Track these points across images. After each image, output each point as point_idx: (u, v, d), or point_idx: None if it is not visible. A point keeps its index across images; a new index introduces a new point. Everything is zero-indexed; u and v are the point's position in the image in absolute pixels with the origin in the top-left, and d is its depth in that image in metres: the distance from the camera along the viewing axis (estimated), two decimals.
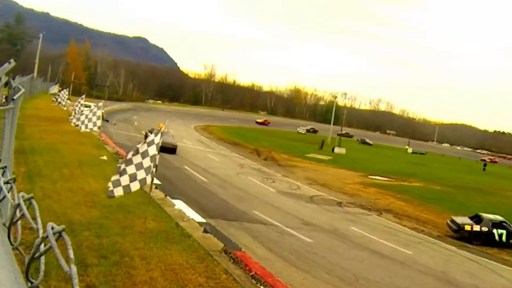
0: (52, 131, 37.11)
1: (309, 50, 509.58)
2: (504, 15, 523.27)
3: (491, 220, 30.52)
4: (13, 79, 10.53)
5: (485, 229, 30.01)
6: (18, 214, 3.32)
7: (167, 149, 40.48)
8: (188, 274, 13.48)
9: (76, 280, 2.57)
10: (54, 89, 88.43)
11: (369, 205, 36.53)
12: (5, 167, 4.45)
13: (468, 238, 29.90)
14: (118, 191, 15.88)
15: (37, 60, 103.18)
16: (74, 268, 2.58)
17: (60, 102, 56.66)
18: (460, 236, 30.20)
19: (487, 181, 75.42)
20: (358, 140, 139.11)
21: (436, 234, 30.83)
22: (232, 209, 27.17)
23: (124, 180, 15.94)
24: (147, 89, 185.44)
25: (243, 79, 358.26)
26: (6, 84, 7.63)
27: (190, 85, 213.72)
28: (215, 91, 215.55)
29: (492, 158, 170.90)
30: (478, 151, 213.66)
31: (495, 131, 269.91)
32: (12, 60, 6.59)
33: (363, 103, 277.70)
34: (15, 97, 8.41)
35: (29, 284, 2.96)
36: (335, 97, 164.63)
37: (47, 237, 2.80)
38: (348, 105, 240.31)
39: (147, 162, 16.26)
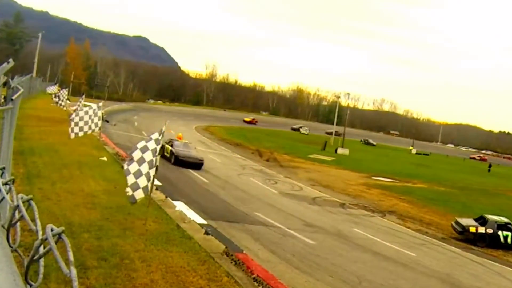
0: (51, 131, 37.12)
1: (311, 49, 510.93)
2: (510, 13, 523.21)
3: (496, 222, 30.48)
4: (12, 79, 10.55)
5: (490, 231, 29.98)
6: (17, 215, 3.32)
7: (192, 164, 38.94)
8: (189, 277, 13.48)
9: (76, 283, 2.57)
10: (53, 89, 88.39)
11: (373, 206, 36.52)
12: (4, 168, 4.45)
13: (473, 240, 29.88)
14: (139, 194, 15.93)
15: (36, 60, 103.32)
16: (73, 271, 2.58)
17: (59, 103, 56.69)
18: (465, 238, 30.17)
19: (492, 182, 75.38)
20: (361, 140, 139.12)
21: (441, 236, 30.82)
22: (234, 210, 27.16)
23: (142, 181, 15.98)
24: (148, 89, 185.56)
25: (245, 79, 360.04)
26: (5, 84, 7.64)
27: (191, 85, 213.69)
28: (217, 91, 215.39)
29: (481, 156, 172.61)
30: (483, 151, 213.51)
31: (500, 131, 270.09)
32: (10, 60, 6.60)
33: (366, 103, 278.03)
34: (14, 97, 8.41)
35: (28, 287, 2.96)
36: (338, 97, 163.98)
37: (46, 239, 2.80)
38: (351, 105, 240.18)
39: (153, 162, 16.33)
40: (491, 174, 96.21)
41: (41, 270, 2.92)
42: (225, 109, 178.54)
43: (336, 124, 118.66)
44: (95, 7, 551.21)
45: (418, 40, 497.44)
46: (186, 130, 77.65)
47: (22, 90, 9.48)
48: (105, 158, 30.22)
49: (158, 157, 17.20)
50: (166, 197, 23.90)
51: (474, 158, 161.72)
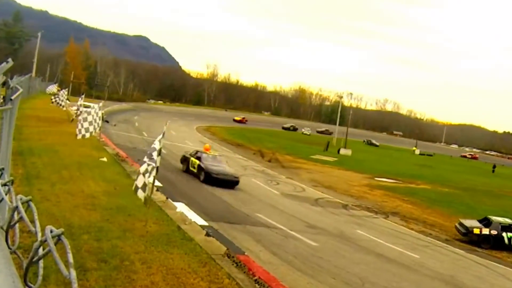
0: (51, 132, 37.14)
1: (314, 49, 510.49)
2: None
3: (500, 223, 30.48)
4: (11, 78, 10.55)
5: (494, 232, 29.98)
6: (16, 217, 3.33)
7: (227, 182, 33.48)
8: (190, 279, 13.48)
9: (75, 285, 2.57)
10: (52, 89, 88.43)
11: (376, 207, 36.54)
12: (3, 169, 4.45)
13: (477, 241, 29.88)
14: (141, 194, 16.14)
15: (35, 60, 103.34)
16: (73, 273, 2.59)
17: (58, 103, 56.71)
18: (469, 239, 30.17)
19: (496, 183, 75.40)
20: (364, 141, 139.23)
21: (444, 237, 30.83)
22: (235, 212, 27.16)
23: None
24: (148, 89, 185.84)
25: (247, 79, 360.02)
26: (4, 84, 7.65)
27: (192, 85, 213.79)
28: (218, 91, 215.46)
29: (472, 154, 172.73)
30: (487, 152, 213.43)
31: (504, 132, 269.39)
32: (10, 60, 6.60)
33: (369, 103, 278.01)
34: (13, 97, 8.42)
35: None
36: (341, 97, 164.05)
37: (45, 240, 2.81)
38: (354, 106, 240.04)
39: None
40: (495, 175, 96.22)
41: (41, 272, 2.92)
42: (227, 109, 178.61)
43: (339, 125, 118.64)
44: (95, 6, 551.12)
45: (421, 40, 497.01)
46: (187, 131, 77.92)
47: (21, 90, 9.48)
48: (105, 159, 30.23)
49: (159, 158, 17.21)
50: (167, 198, 23.90)
51: (465, 156, 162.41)
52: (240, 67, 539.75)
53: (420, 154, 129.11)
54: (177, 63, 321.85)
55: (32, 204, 3.38)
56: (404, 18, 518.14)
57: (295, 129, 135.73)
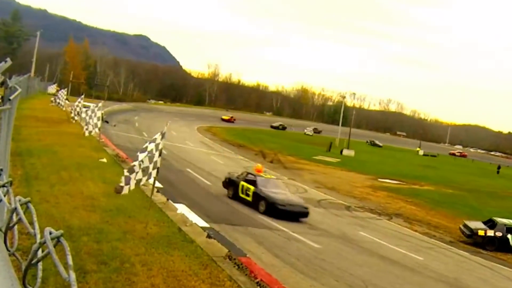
0: (50, 132, 37.13)
1: (316, 48, 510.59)
2: None
3: (505, 225, 30.43)
4: (10, 78, 10.56)
5: (499, 234, 29.95)
6: (14, 218, 3.33)
7: (293, 213, 28.09)
8: (191, 281, 13.46)
9: (75, 287, 2.57)
10: (52, 89, 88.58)
11: (379, 209, 36.54)
12: (1, 170, 4.45)
13: (482, 243, 29.85)
14: (126, 189, 16.02)
15: (34, 59, 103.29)
16: (72, 275, 2.58)
17: (58, 103, 56.80)
18: (473, 241, 30.15)
19: (501, 184, 75.40)
20: (367, 141, 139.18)
21: (448, 239, 30.82)
22: (237, 213, 27.16)
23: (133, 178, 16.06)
24: (148, 89, 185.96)
25: (248, 79, 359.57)
26: (2, 83, 7.65)
27: (193, 85, 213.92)
28: (219, 91, 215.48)
29: (461, 152, 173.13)
30: (492, 153, 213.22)
31: (509, 132, 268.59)
32: (8, 59, 6.61)
33: (372, 104, 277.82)
34: (11, 97, 8.42)
35: None
36: (344, 97, 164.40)
37: (44, 242, 2.80)
38: (357, 106, 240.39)
39: (146, 163, 16.34)
40: (500, 176, 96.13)
41: (40, 274, 2.92)
42: (228, 109, 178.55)
43: (342, 125, 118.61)
44: (94, 5, 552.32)
45: (425, 39, 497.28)
46: (188, 131, 78.01)
47: (20, 90, 9.47)
48: (104, 160, 30.21)
49: (159, 159, 17.21)
50: (168, 199, 23.89)
51: (454, 154, 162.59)
52: (242, 67, 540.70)
53: (424, 155, 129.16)
54: (178, 62, 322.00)
55: (31, 205, 3.38)
56: (408, 17, 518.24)
57: (284, 128, 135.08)
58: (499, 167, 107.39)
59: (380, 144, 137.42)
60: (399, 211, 36.91)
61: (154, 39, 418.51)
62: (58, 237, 2.81)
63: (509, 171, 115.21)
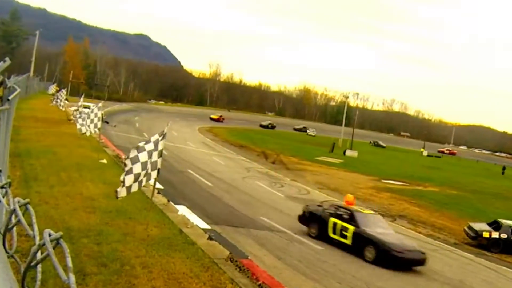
0: (49, 133, 37.18)
1: (319, 48, 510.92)
2: None
3: (510, 227, 30.37)
4: (9, 78, 10.56)
5: (504, 236, 29.91)
6: (13, 220, 3.33)
7: (411, 261, 22.83)
8: (192, 283, 13.47)
9: None
10: (52, 89, 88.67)
11: (382, 210, 36.45)
12: (0, 170, 4.45)
13: (487, 245, 29.82)
14: (122, 192, 15.93)
15: (33, 59, 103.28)
16: (72, 277, 2.58)
17: (58, 103, 56.82)
18: (478, 243, 30.12)
19: (506, 185, 75.23)
20: (370, 142, 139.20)
21: (453, 241, 30.78)
22: (238, 215, 27.16)
23: (129, 180, 15.95)
24: (149, 89, 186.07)
25: (250, 79, 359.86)
26: (1, 83, 7.65)
27: (194, 84, 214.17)
28: (221, 91, 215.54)
29: (450, 149, 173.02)
30: (497, 154, 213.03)
31: None
32: (7, 59, 6.61)
33: (376, 104, 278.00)
34: (10, 97, 8.42)
35: None
36: (347, 97, 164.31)
37: (44, 244, 2.80)
38: (360, 106, 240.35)
39: (147, 164, 16.31)
40: (505, 177, 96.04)
41: (39, 276, 2.92)
42: (229, 109, 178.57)
43: (345, 125, 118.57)
44: (94, 4, 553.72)
45: (429, 39, 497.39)
46: (189, 132, 77.98)
47: (19, 90, 9.48)
48: (104, 161, 30.22)
49: (160, 160, 17.20)
50: (168, 201, 23.90)
51: (443, 152, 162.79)
52: (244, 67, 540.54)
53: (428, 155, 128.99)
54: (179, 62, 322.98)
55: (30, 207, 3.38)
56: (412, 16, 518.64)
57: (273, 127, 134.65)
58: (504, 168, 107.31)
59: (384, 145, 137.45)
60: (403, 213, 36.87)
61: (154, 39, 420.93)
62: (57, 239, 2.81)
63: None
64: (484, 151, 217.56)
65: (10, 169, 18.62)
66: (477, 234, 30.19)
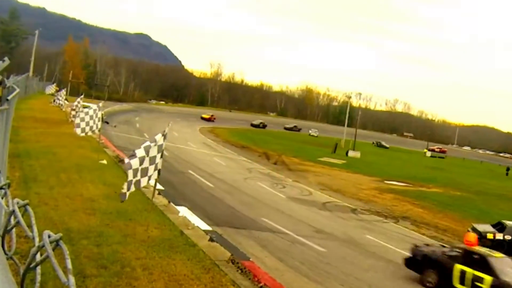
0: (48, 133, 37.19)
1: (321, 47, 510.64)
2: None
3: None
4: (8, 78, 10.57)
5: (508, 237, 29.83)
6: (12, 221, 3.32)
7: None
8: (193, 285, 13.46)
9: None
10: (51, 89, 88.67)
11: (385, 212, 36.47)
12: None
13: (491, 247, 29.72)
14: (126, 196, 15.95)
15: (32, 58, 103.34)
16: (72, 279, 2.58)
17: (58, 103, 56.91)
18: (482, 245, 30.02)
19: (510, 186, 75.11)
20: (373, 143, 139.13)
21: (457, 243, 30.73)
22: (240, 216, 27.17)
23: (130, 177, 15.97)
24: (150, 89, 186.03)
25: (252, 79, 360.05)
26: (0, 83, 7.65)
27: (195, 84, 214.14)
28: (222, 91, 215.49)
29: (440, 148, 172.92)
30: (501, 154, 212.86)
31: None
32: (6, 58, 6.61)
33: (378, 104, 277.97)
34: (9, 98, 8.42)
35: None
36: (349, 97, 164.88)
37: (43, 246, 2.80)
38: (363, 106, 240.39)
39: (146, 164, 16.29)
40: (509, 177, 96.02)
41: (38, 278, 2.91)
42: (231, 109, 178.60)
43: (347, 126, 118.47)
44: (94, 3, 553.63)
45: (433, 38, 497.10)
46: (190, 132, 77.98)
47: (18, 90, 9.50)
48: (105, 161, 30.22)
49: (161, 160, 17.20)
50: (169, 202, 23.90)
51: (433, 150, 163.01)
52: (245, 66, 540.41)
53: (431, 156, 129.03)
54: (180, 62, 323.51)
55: (29, 208, 3.37)
56: (416, 16, 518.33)
57: (264, 126, 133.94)
58: (508, 169, 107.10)
59: (387, 145, 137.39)
60: (406, 214, 36.84)
61: (155, 38, 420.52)
62: (57, 241, 2.81)
63: None
64: (488, 152, 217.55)
65: (9, 169, 18.62)
66: (481, 236, 30.11)
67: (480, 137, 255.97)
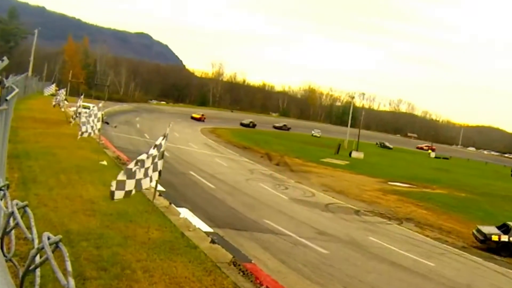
0: (48, 134, 37.19)
1: (324, 47, 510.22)
2: None
3: None
4: (6, 78, 10.59)
5: None
6: (11, 223, 3.33)
7: None
8: None
9: None
10: (51, 90, 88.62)
11: (389, 213, 36.47)
12: None
13: (496, 249, 29.76)
14: (119, 195, 15.94)
15: (32, 58, 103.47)
16: (72, 282, 2.58)
17: (59, 103, 56.95)
18: (487, 246, 30.07)
19: None
20: (377, 143, 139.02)
21: (461, 244, 30.73)
22: (242, 218, 27.18)
23: (129, 184, 15.99)
24: (150, 89, 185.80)
25: (254, 78, 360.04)
26: None
27: (197, 84, 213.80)
28: (224, 91, 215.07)
29: (429, 145, 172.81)
30: (506, 155, 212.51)
31: None
32: (5, 58, 6.62)
33: (382, 104, 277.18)
34: (8, 98, 8.43)
35: None
36: (352, 98, 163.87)
37: (43, 248, 2.80)
38: (366, 106, 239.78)
39: (147, 164, 16.32)
40: None
41: (37, 281, 2.92)
42: (233, 110, 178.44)
43: (351, 126, 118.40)
44: (94, 2, 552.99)
45: (437, 38, 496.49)
46: (191, 133, 77.99)
47: (17, 90, 9.52)
48: (105, 162, 30.23)
49: (162, 161, 17.21)
50: (170, 203, 23.87)
51: (422, 148, 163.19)
52: (247, 66, 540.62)
53: (435, 157, 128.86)
54: (181, 61, 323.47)
55: (28, 209, 3.38)
56: (420, 15, 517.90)
57: (254, 126, 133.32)
58: None
59: (391, 146, 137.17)
60: (410, 216, 36.84)
61: (156, 37, 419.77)
62: (56, 243, 2.81)
63: None
64: (493, 153, 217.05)
65: (8, 170, 18.64)
66: (486, 238, 30.14)
67: (484, 137, 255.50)
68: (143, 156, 16.49)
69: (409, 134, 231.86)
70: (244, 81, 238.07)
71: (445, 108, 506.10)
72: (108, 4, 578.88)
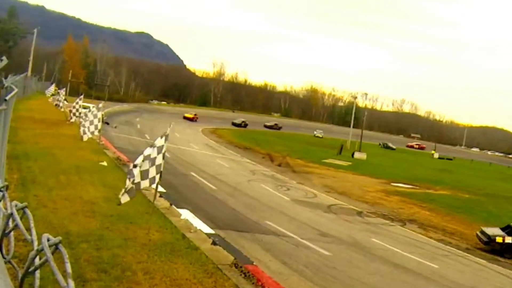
0: (47, 134, 37.19)
1: (326, 46, 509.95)
2: None
3: None
4: (6, 78, 10.60)
5: None
6: (11, 224, 3.33)
7: None
8: None
9: None
10: (51, 90, 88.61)
11: (392, 215, 36.45)
12: None
13: (500, 250, 29.75)
14: (125, 198, 15.98)
15: (31, 58, 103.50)
16: (71, 283, 2.58)
17: (59, 104, 56.96)
18: (491, 248, 30.05)
19: None
20: (380, 144, 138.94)
21: (465, 246, 30.72)
22: (243, 219, 27.18)
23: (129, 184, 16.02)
24: (151, 89, 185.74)
25: (255, 78, 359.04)
26: None
27: (198, 84, 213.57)
28: (225, 91, 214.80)
29: (419, 144, 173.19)
30: (511, 156, 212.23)
31: None
32: (4, 58, 6.63)
33: (385, 104, 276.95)
34: (7, 98, 8.44)
35: None
36: (355, 98, 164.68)
37: (42, 249, 2.80)
38: (369, 106, 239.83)
39: (145, 166, 16.32)
40: None
41: (37, 283, 2.92)
42: (234, 110, 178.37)
43: (353, 127, 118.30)
44: (94, 1, 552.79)
45: (441, 38, 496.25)
46: (192, 133, 78.02)
47: (16, 89, 9.52)
48: (105, 163, 30.25)
49: (163, 162, 17.21)
50: (171, 204, 23.87)
51: (412, 147, 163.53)
52: (248, 66, 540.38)
53: (439, 158, 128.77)
54: (182, 61, 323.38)
55: (27, 211, 3.38)
56: (424, 14, 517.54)
57: (245, 125, 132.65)
58: None
59: (393, 147, 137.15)
60: (413, 217, 36.82)
61: (156, 37, 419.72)
62: (56, 244, 2.81)
63: None
64: (497, 153, 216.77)
65: (7, 171, 18.65)
66: (490, 239, 30.13)
67: (489, 138, 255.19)
68: (141, 158, 16.50)
69: (412, 135, 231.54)
70: (245, 81, 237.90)
71: (449, 108, 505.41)
72: (108, 3, 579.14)
